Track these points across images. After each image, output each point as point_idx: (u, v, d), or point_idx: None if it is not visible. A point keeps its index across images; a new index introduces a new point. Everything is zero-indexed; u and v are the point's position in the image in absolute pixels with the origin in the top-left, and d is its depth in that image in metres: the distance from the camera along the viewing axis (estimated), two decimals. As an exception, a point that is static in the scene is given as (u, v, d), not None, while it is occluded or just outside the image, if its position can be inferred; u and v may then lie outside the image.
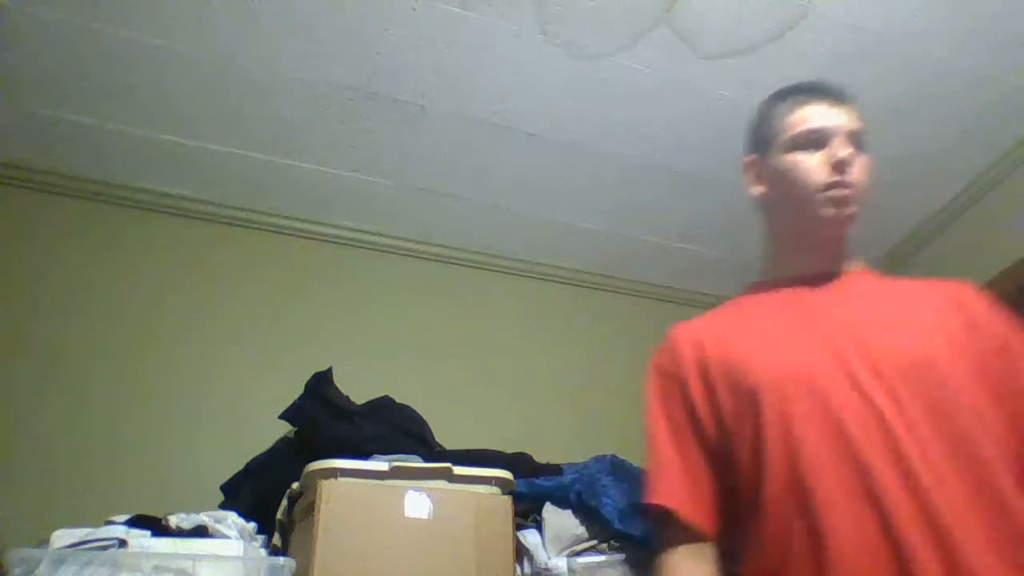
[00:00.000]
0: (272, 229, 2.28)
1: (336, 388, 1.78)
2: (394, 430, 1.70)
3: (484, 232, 2.42)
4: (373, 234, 2.37)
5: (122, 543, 1.24)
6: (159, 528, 1.33)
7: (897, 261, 2.59)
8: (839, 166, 1.08)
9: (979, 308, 1.07)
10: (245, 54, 1.80)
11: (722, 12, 1.77)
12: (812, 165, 1.11)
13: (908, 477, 0.90)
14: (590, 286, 2.60)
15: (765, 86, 1.96)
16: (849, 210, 1.10)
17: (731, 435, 1.02)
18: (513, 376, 2.33)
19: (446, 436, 1.81)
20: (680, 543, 1.02)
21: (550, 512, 1.55)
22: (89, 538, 1.23)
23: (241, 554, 1.28)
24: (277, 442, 1.79)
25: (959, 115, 2.08)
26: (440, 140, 2.07)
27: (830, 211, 1.09)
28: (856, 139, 1.12)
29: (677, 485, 1.03)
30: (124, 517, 1.37)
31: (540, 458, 1.80)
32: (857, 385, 0.96)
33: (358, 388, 1.83)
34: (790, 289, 1.13)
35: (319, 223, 2.32)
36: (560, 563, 1.48)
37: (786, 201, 1.14)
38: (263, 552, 1.39)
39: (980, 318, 1.05)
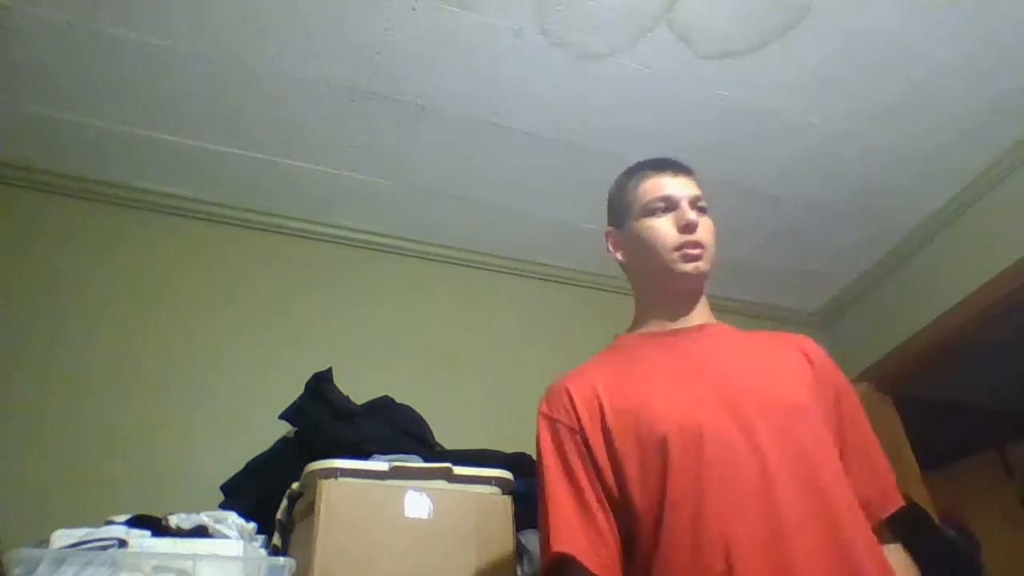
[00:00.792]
0: (272, 229, 2.28)
1: (336, 388, 1.78)
2: (394, 430, 1.70)
3: (484, 232, 2.42)
4: (373, 234, 2.37)
5: (122, 543, 1.23)
6: (159, 528, 1.33)
7: (897, 261, 2.59)
8: (688, 227, 1.21)
9: (820, 360, 1.21)
10: (245, 54, 1.80)
11: (722, 12, 1.77)
12: (664, 228, 1.23)
13: (802, 518, 1.00)
14: (590, 286, 2.60)
15: (765, 86, 1.98)
16: (701, 264, 1.22)
17: (631, 480, 1.07)
18: (513, 376, 2.33)
19: (446, 436, 1.81)
20: None
21: (550, 512, 1.55)
22: (89, 538, 1.23)
23: (241, 554, 1.28)
24: (277, 442, 1.79)
25: (959, 115, 2.08)
26: (440, 140, 2.07)
27: (684, 266, 1.21)
28: (699, 204, 1.25)
29: (577, 532, 1.06)
30: (124, 517, 1.37)
31: (540, 458, 1.80)
32: (749, 434, 1.05)
33: (358, 388, 1.83)
34: (667, 338, 1.24)
35: (319, 223, 2.32)
36: (560, 563, 1.47)
37: (646, 262, 1.26)
38: (263, 552, 1.39)
39: (821, 371, 1.19)
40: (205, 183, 2.16)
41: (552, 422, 1.18)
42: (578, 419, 1.14)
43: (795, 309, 2.81)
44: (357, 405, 1.77)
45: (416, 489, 1.41)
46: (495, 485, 1.50)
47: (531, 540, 1.53)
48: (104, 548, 1.21)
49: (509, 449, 1.78)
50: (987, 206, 2.30)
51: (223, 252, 2.20)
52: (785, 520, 0.98)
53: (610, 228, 1.35)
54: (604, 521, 1.07)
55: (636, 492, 1.06)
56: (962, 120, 2.10)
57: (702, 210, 1.26)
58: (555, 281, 2.56)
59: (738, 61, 1.89)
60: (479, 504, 1.45)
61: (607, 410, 1.13)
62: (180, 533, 1.31)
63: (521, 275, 2.52)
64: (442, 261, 2.44)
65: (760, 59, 1.89)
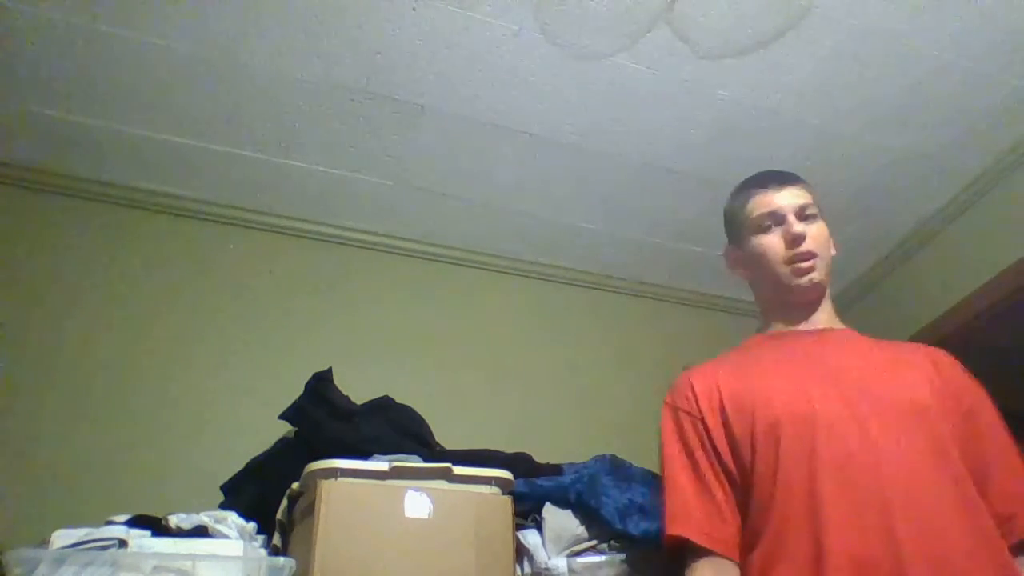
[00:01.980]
0: (272, 229, 2.28)
1: (336, 388, 1.78)
2: (394, 430, 1.69)
3: (484, 232, 2.42)
4: (373, 234, 2.37)
5: (122, 543, 1.23)
6: (159, 528, 1.33)
7: (897, 262, 2.59)
8: (795, 240, 1.25)
9: (952, 372, 1.21)
10: (245, 54, 1.80)
11: (722, 12, 1.77)
12: (773, 243, 1.28)
13: (909, 508, 1.00)
14: (590, 286, 2.60)
15: (765, 86, 1.98)
16: (814, 275, 1.25)
17: (747, 463, 1.12)
18: (513, 376, 2.33)
19: (446, 436, 1.81)
20: (704, 566, 1.10)
21: (550, 512, 1.55)
22: (89, 538, 1.23)
23: (241, 554, 1.28)
24: (277, 442, 1.80)
25: (959, 115, 2.08)
26: (440, 140, 2.07)
27: (795, 280, 1.26)
28: (806, 213, 1.29)
29: (693, 511, 1.13)
30: (124, 517, 1.37)
31: (540, 458, 1.80)
32: (862, 424, 1.08)
33: (358, 388, 1.83)
34: (789, 337, 1.28)
35: (319, 223, 2.32)
36: (560, 563, 1.47)
37: (763, 277, 1.31)
38: (263, 552, 1.39)
39: (951, 381, 1.19)
40: (205, 183, 2.16)
41: (674, 410, 1.24)
42: (699, 407, 1.20)
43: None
44: (357, 405, 1.77)
45: (416, 489, 1.41)
46: (495, 485, 1.50)
47: (531, 540, 1.53)
48: (104, 548, 1.21)
49: (509, 449, 1.78)
50: (987, 206, 2.30)
51: (223, 252, 2.20)
52: (894, 510, 1.00)
53: (728, 247, 1.41)
54: (723, 497, 1.13)
55: (752, 474, 1.11)
56: (962, 120, 2.10)
57: (811, 217, 1.29)
58: (555, 281, 2.56)
59: (738, 61, 1.89)
60: (479, 504, 1.45)
61: (725, 398, 1.18)
62: (180, 533, 1.31)
63: (521, 275, 2.52)
64: (442, 261, 2.44)
65: (760, 59, 1.88)
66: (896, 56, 1.90)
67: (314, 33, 1.76)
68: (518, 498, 1.54)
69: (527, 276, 2.53)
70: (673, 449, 1.20)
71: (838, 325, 1.31)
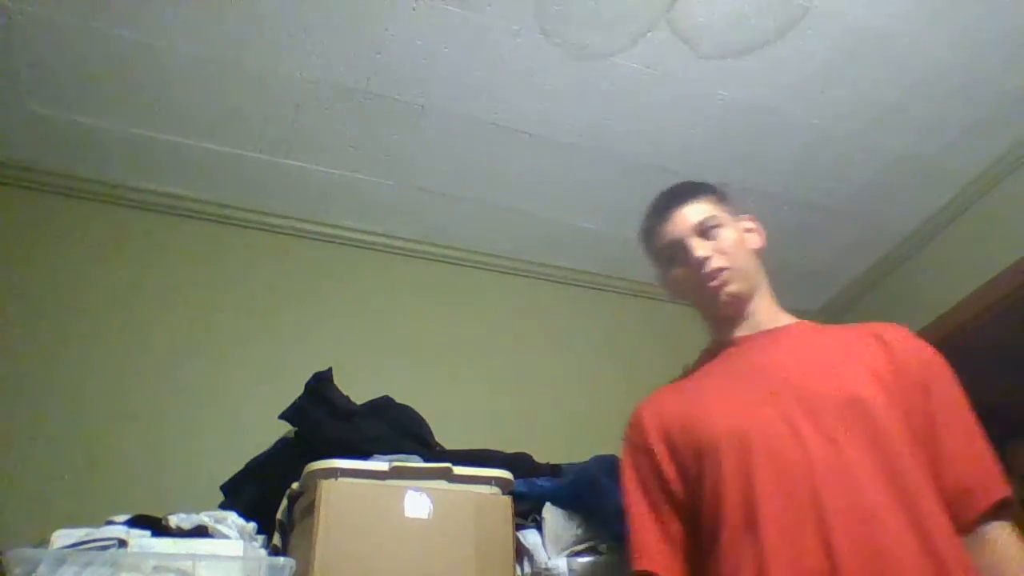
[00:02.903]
0: (272, 229, 2.28)
1: (336, 388, 1.78)
2: (394, 430, 1.70)
3: (484, 232, 2.42)
4: (373, 234, 2.37)
5: (122, 543, 1.23)
6: (159, 528, 1.33)
7: (897, 261, 2.59)
8: (698, 265, 1.24)
9: (904, 346, 1.18)
10: (245, 54, 1.80)
11: (722, 12, 1.77)
12: (683, 275, 1.28)
13: (844, 514, 0.99)
14: (589, 286, 2.59)
15: (765, 86, 1.98)
16: (731, 288, 1.24)
17: (695, 489, 1.13)
18: (513, 376, 2.33)
19: (446, 436, 1.81)
20: None
21: (550, 512, 1.55)
22: (89, 538, 1.23)
23: (241, 554, 1.28)
24: (277, 442, 1.79)
25: (959, 115, 2.08)
26: (440, 140, 2.07)
27: (715, 298, 1.25)
28: (707, 227, 1.27)
29: (656, 549, 1.14)
30: (124, 517, 1.37)
31: (540, 458, 1.80)
32: (797, 433, 1.06)
33: (358, 388, 1.83)
34: (731, 348, 1.26)
35: (319, 223, 2.31)
36: (560, 563, 1.48)
37: (693, 302, 1.32)
38: (263, 552, 1.39)
39: (902, 354, 1.16)
40: (205, 183, 2.16)
41: (629, 444, 1.25)
42: (647, 439, 1.21)
43: (795, 309, 2.79)
44: (357, 405, 1.77)
45: (416, 489, 1.41)
46: (495, 485, 1.50)
47: (531, 540, 1.53)
48: (104, 548, 1.21)
49: (509, 449, 1.78)
50: (987, 206, 2.30)
51: (223, 252, 2.20)
52: (829, 519, 0.98)
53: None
54: (677, 528, 1.14)
55: (702, 500, 1.11)
56: (962, 120, 2.10)
57: (713, 229, 1.26)
58: (555, 281, 2.56)
59: (738, 61, 1.89)
60: (479, 504, 1.45)
61: (672, 428, 1.19)
62: (180, 533, 1.31)
63: (521, 275, 2.52)
64: (442, 261, 2.44)
65: (760, 59, 1.88)
66: (896, 56, 1.90)
67: (314, 33, 1.76)
68: (518, 498, 1.54)
69: (527, 276, 2.53)
70: (630, 485, 1.21)
71: (783, 320, 1.29)
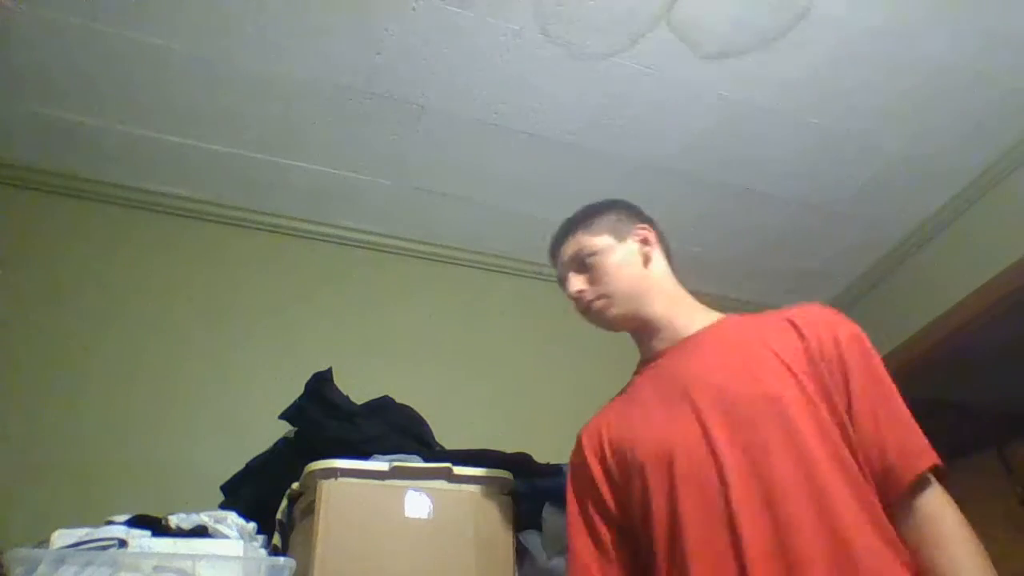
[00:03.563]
0: (272, 229, 2.28)
1: (336, 388, 1.78)
2: (394, 430, 1.69)
3: (484, 232, 2.42)
4: (373, 234, 2.37)
5: (122, 543, 1.23)
6: (159, 528, 1.33)
7: (897, 261, 2.59)
8: (576, 302, 1.30)
9: (812, 326, 1.16)
10: (245, 54, 1.80)
11: (722, 12, 1.77)
12: (575, 306, 1.32)
13: (755, 523, 0.98)
14: (590, 286, 2.59)
15: (765, 86, 1.98)
16: (611, 312, 1.26)
17: (629, 508, 1.13)
18: (513, 376, 2.33)
19: (446, 436, 1.81)
20: None
21: (550, 512, 1.55)
22: (89, 538, 1.23)
23: (241, 554, 1.28)
24: (277, 442, 1.79)
25: (959, 115, 2.08)
26: (440, 140, 2.07)
27: (597, 323, 1.30)
28: (583, 261, 1.30)
29: (590, 569, 1.14)
30: (124, 517, 1.37)
31: (540, 458, 1.80)
32: (713, 446, 1.05)
33: (358, 388, 1.83)
34: (656, 361, 1.26)
35: (319, 223, 2.32)
36: (560, 563, 1.47)
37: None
38: (263, 552, 1.39)
39: (813, 339, 1.13)
40: (205, 183, 2.16)
41: (571, 466, 1.26)
42: (586, 461, 1.21)
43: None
44: (357, 405, 1.77)
45: (416, 489, 1.41)
46: (495, 485, 1.50)
47: (531, 540, 1.53)
48: (104, 548, 1.21)
49: (509, 449, 1.78)
50: (987, 206, 2.30)
51: (223, 252, 2.20)
52: (742, 532, 0.97)
53: None
54: (615, 555, 1.13)
55: (635, 519, 1.11)
56: (962, 120, 2.10)
57: (587, 260, 1.29)
58: (555, 281, 2.54)
59: (738, 61, 1.89)
60: (479, 504, 1.45)
61: (607, 448, 1.20)
62: (180, 533, 1.32)
63: (521, 275, 2.52)
64: (442, 261, 2.44)
65: (760, 59, 1.88)
66: (896, 56, 1.90)
67: (314, 33, 1.76)
68: (518, 498, 1.54)
69: (527, 276, 2.53)
70: (571, 508, 1.21)
71: (702, 321, 1.27)
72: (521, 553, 1.52)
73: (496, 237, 2.44)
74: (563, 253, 1.35)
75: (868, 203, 2.38)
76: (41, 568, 1.13)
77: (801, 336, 1.14)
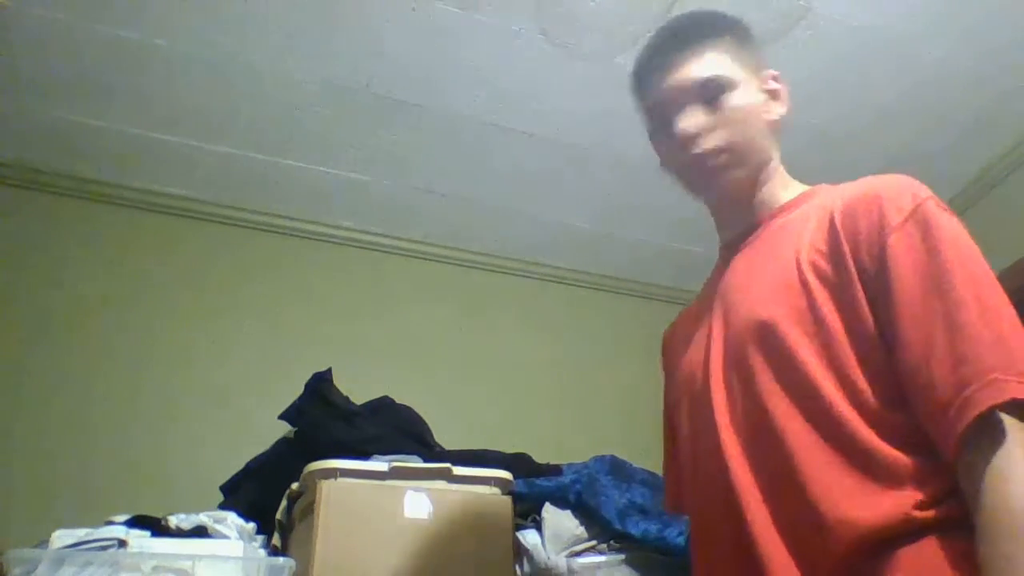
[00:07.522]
0: (272, 229, 2.28)
1: (336, 388, 1.78)
2: (394, 430, 1.70)
3: (484, 232, 2.42)
4: (373, 234, 2.37)
5: (122, 543, 1.23)
6: (159, 528, 1.33)
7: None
8: (683, 145, 0.96)
9: (850, 221, 0.88)
10: (245, 54, 1.80)
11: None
12: (669, 152, 1.01)
13: (742, 475, 0.84)
14: (590, 286, 2.59)
15: (765, 86, 1.98)
16: (734, 173, 0.97)
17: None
18: (513, 376, 2.33)
19: (446, 436, 1.81)
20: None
21: (550, 512, 1.55)
22: (89, 538, 1.23)
23: (241, 554, 1.28)
24: (277, 442, 1.80)
25: (959, 115, 2.08)
26: (440, 140, 2.07)
27: (707, 188, 1.00)
28: (711, 87, 0.97)
29: (671, 491, 1.12)
30: (124, 517, 1.37)
31: (540, 458, 1.80)
32: (707, 379, 0.92)
33: (358, 388, 1.83)
34: (719, 264, 1.06)
35: (319, 223, 2.32)
36: (560, 563, 1.47)
37: (683, 187, 1.05)
38: (263, 552, 1.39)
39: (849, 235, 0.87)
40: (205, 183, 2.16)
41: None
42: (664, 366, 1.15)
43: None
44: (357, 405, 1.77)
45: (416, 489, 1.41)
46: (495, 485, 1.50)
47: (531, 540, 1.53)
48: (104, 548, 1.21)
49: (509, 449, 1.78)
50: (987, 206, 2.30)
51: (223, 252, 2.20)
52: (734, 481, 0.84)
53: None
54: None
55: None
56: (962, 120, 2.10)
57: (718, 91, 0.97)
58: (555, 281, 2.56)
59: (738, 61, 1.89)
60: (479, 504, 1.45)
61: (666, 362, 1.14)
62: (180, 533, 1.32)
63: (521, 275, 2.52)
64: (442, 261, 2.44)
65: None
66: (896, 56, 1.89)
67: (314, 33, 1.76)
68: (518, 498, 1.54)
69: (527, 276, 2.53)
70: (664, 413, 1.14)
71: (776, 203, 1.02)
72: (521, 553, 1.52)
73: (496, 237, 2.44)
74: (685, 68, 0.97)
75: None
76: (41, 568, 1.13)
77: (832, 230, 0.88)
